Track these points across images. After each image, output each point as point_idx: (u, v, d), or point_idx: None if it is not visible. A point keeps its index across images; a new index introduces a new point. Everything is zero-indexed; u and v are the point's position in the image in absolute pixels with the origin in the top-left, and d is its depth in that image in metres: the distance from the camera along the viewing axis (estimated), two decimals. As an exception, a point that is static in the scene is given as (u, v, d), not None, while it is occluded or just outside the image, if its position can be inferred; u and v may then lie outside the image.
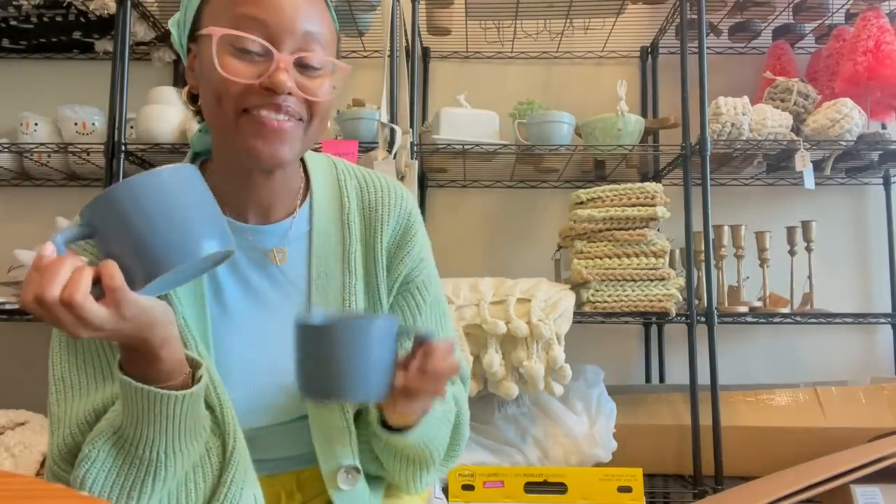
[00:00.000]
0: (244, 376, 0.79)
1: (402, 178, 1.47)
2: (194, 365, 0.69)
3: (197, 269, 0.67)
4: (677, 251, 1.86)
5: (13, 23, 1.97)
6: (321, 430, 0.80)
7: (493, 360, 1.52)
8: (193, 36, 0.79)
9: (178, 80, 2.11)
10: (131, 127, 1.83)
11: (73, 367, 0.75)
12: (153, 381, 0.65)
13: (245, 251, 0.82)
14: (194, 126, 0.87)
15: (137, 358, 0.65)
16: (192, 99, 0.82)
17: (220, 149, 0.81)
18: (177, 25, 0.83)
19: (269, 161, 0.75)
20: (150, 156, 1.84)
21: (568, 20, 2.04)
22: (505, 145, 1.81)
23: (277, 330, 0.81)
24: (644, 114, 2.12)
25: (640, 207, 1.63)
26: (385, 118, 1.56)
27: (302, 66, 0.75)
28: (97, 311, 0.58)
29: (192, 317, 0.77)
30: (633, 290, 1.63)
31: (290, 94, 0.73)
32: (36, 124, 1.88)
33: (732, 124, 1.73)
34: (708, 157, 1.68)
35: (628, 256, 1.64)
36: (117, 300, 0.59)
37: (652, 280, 1.64)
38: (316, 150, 1.02)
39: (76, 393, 0.74)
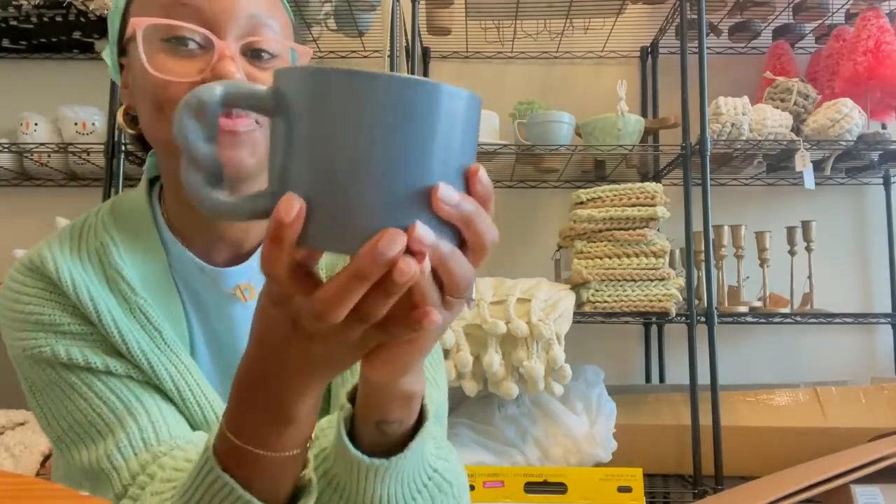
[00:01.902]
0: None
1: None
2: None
3: None
4: (677, 251, 1.86)
5: (13, 23, 1.96)
6: None
7: (493, 360, 1.52)
8: (123, 47, 0.68)
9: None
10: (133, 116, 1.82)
11: (74, 412, 0.63)
12: (263, 445, 0.47)
13: (211, 292, 0.70)
14: None
15: (262, 402, 0.46)
16: (132, 122, 0.70)
17: (172, 174, 0.68)
18: (109, 54, 0.71)
19: (231, 170, 0.62)
20: (150, 156, 1.84)
21: (568, 20, 2.04)
22: (505, 145, 1.81)
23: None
24: (644, 114, 2.11)
25: (640, 207, 1.63)
26: (385, 118, 1.56)
27: (252, 55, 0.64)
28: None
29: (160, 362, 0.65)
30: (633, 290, 1.63)
31: None
32: (36, 124, 1.88)
33: (732, 124, 1.73)
34: (708, 157, 1.68)
35: (628, 256, 1.64)
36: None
37: (652, 280, 1.64)
38: None
39: (90, 438, 0.62)
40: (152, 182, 0.74)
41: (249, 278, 0.71)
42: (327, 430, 0.59)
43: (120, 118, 0.71)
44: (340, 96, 0.36)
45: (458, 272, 0.39)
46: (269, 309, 0.42)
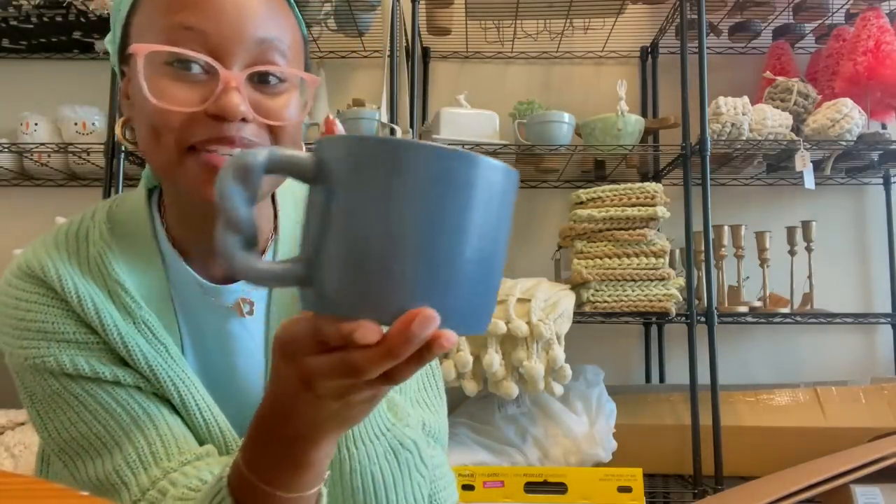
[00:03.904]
0: None
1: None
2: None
3: None
4: (677, 251, 1.86)
5: (13, 23, 1.96)
6: None
7: (493, 360, 1.52)
8: (124, 55, 0.65)
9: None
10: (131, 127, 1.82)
11: (78, 424, 0.62)
12: (278, 485, 0.47)
13: (208, 308, 0.68)
14: None
15: (277, 446, 0.46)
16: (132, 133, 0.67)
17: (169, 192, 0.67)
18: (112, 43, 0.68)
19: None
20: (150, 156, 1.84)
21: (568, 20, 2.04)
22: (505, 145, 1.81)
23: (232, 407, 0.67)
24: (644, 114, 2.11)
25: (640, 207, 1.63)
26: (385, 118, 1.56)
27: (259, 80, 0.61)
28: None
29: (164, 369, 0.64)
30: (633, 290, 1.63)
31: (245, 120, 0.58)
32: (36, 124, 1.88)
33: (732, 124, 1.73)
34: (708, 157, 1.68)
35: (628, 256, 1.64)
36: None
37: (652, 280, 1.64)
38: None
39: (97, 451, 0.61)
40: (150, 191, 0.72)
41: (250, 292, 0.69)
42: None
43: (118, 131, 0.68)
44: (384, 167, 0.36)
45: None
46: (280, 365, 0.42)
